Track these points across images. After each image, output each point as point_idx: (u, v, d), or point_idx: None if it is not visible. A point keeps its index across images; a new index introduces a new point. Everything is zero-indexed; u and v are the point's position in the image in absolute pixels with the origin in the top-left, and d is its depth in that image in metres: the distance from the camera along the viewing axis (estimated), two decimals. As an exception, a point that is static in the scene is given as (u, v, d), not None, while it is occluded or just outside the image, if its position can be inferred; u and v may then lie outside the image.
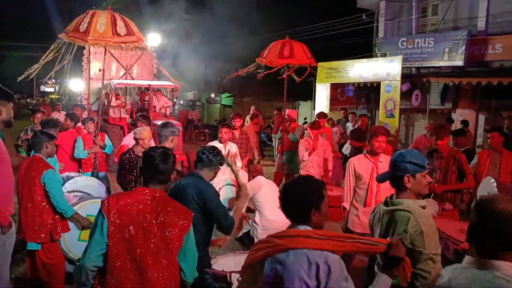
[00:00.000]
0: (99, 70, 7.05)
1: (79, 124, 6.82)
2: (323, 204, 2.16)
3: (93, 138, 6.30)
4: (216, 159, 3.46)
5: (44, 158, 4.14)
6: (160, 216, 2.41)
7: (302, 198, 2.14)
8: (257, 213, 4.92)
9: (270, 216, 4.81)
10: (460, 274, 1.75)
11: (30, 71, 6.05)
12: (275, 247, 2.06)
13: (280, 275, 2.01)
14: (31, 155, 4.23)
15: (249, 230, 5.01)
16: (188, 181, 3.33)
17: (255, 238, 4.85)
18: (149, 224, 2.39)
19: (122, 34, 5.92)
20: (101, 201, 2.46)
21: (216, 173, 3.52)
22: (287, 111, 9.45)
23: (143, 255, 2.36)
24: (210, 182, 3.45)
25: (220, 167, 3.56)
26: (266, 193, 4.89)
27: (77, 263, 2.42)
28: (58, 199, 4.01)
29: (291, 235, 2.07)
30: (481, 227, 1.71)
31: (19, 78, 6.06)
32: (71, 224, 4.29)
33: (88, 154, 6.28)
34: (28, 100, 41.26)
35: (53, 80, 38.12)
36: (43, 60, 5.98)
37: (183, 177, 4.03)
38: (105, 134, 6.86)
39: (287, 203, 2.21)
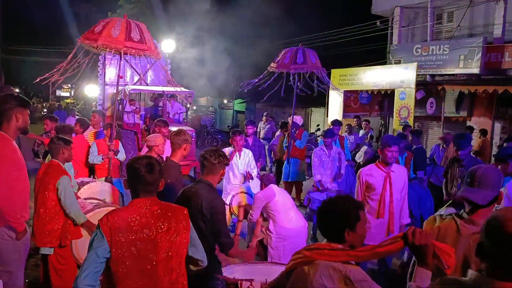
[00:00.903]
0: (120, 77, 6.96)
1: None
2: (358, 225, 2.16)
3: (107, 144, 6.32)
4: (218, 161, 3.35)
5: (61, 163, 4.19)
6: (164, 224, 2.39)
7: (337, 217, 2.16)
8: (270, 221, 4.89)
9: (284, 224, 4.79)
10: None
11: (49, 75, 6.08)
12: (303, 258, 2.15)
13: (304, 284, 2.09)
14: (48, 161, 4.28)
15: (263, 238, 4.99)
16: (198, 188, 3.28)
17: (268, 246, 4.82)
18: (156, 234, 2.35)
19: (136, 40, 5.87)
20: (98, 220, 2.35)
21: (222, 175, 3.44)
22: (293, 117, 9.26)
23: (154, 268, 2.33)
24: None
25: (225, 168, 3.47)
26: (279, 202, 4.87)
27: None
28: (70, 206, 4.03)
29: (317, 248, 2.15)
30: (489, 248, 1.61)
31: (37, 80, 6.11)
32: (84, 231, 4.31)
33: (102, 159, 6.29)
34: (44, 104, 41.88)
35: (69, 85, 38.70)
36: (63, 68, 6.00)
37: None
38: (119, 141, 6.88)
39: (323, 222, 2.24)
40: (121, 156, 6.67)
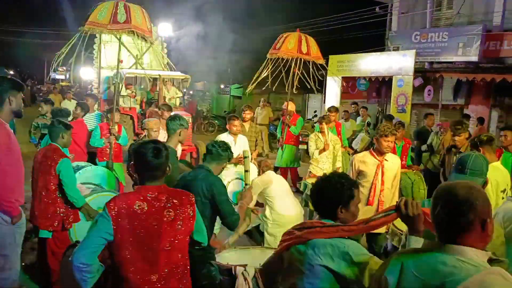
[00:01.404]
0: (121, 61, 6.86)
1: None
2: (352, 203, 2.22)
3: (109, 128, 6.30)
4: (225, 154, 3.49)
5: (60, 147, 4.16)
6: (170, 212, 2.37)
7: (331, 194, 2.21)
8: (267, 207, 4.90)
9: (281, 211, 4.80)
10: (420, 257, 1.69)
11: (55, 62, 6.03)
12: (296, 238, 2.16)
13: (301, 264, 2.13)
14: (47, 144, 4.25)
15: (259, 224, 5.00)
16: (197, 173, 3.36)
17: (265, 232, 4.84)
18: (161, 223, 2.34)
19: (122, 22, 5.70)
20: (106, 203, 2.34)
21: (223, 168, 3.56)
22: (285, 103, 9.11)
23: (156, 256, 2.33)
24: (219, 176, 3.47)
25: (227, 162, 3.60)
26: (276, 188, 4.87)
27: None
28: (71, 188, 4.04)
29: (308, 227, 2.18)
30: (440, 212, 1.65)
31: (50, 74, 6.13)
32: (81, 216, 4.31)
33: (104, 143, 6.29)
34: (39, 87, 41.48)
35: (64, 68, 38.31)
36: (61, 53, 5.95)
37: (192, 168, 4.02)
38: (122, 126, 6.84)
39: (317, 198, 2.28)
40: (123, 141, 6.64)
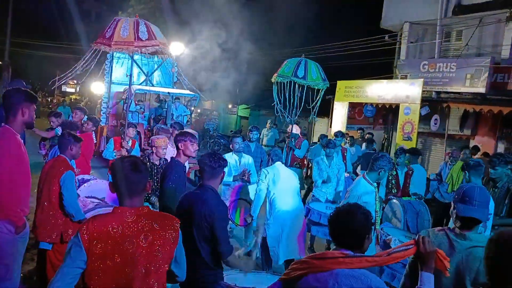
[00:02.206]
0: (126, 75, 7.25)
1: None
2: (370, 233, 2.31)
3: (121, 141, 6.59)
4: (218, 164, 3.30)
5: (68, 159, 4.20)
6: (148, 237, 2.20)
7: (358, 227, 2.22)
8: (268, 205, 5.02)
9: (282, 207, 4.94)
10: None
11: (64, 77, 6.35)
12: (316, 268, 2.13)
13: None
14: (56, 156, 4.30)
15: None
16: (199, 195, 3.24)
17: (267, 235, 4.98)
18: (137, 248, 2.16)
19: (144, 39, 6.02)
20: (78, 228, 2.19)
21: (222, 178, 3.41)
22: (290, 126, 9.10)
23: (130, 283, 2.16)
24: (226, 196, 3.43)
25: (224, 171, 3.45)
26: (282, 183, 5.04)
27: None
28: (69, 202, 4.02)
29: (329, 257, 2.15)
30: (501, 262, 1.64)
31: (57, 82, 6.41)
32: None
33: (115, 156, 6.52)
34: (49, 99, 41.98)
35: (75, 81, 38.84)
36: (75, 71, 6.22)
37: (194, 185, 4.02)
38: (136, 142, 7.06)
39: (341, 231, 2.24)
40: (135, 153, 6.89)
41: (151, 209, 2.39)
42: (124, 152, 6.40)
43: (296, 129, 9.16)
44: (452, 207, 2.70)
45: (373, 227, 2.50)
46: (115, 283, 2.14)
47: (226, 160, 3.44)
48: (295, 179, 5.27)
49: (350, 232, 2.21)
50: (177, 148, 4.17)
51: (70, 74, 6.16)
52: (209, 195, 3.22)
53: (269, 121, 14.87)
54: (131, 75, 6.68)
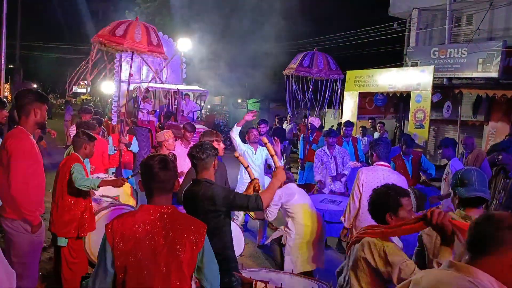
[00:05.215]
0: (131, 75, 7.48)
1: None
2: (401, 210, 2.62)
3: (119, 137, 6.85)
4: (206, 154, 3.18)
5: (81, 158, 4.24)
6: (169, 236, 2.18)
7: (379, 204, 2.68)
8: (289, 220, 4.88)
9: (303, 222, 4.78)
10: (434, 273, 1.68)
11: (74, 78, 6.72)
12: (356, 237, 2.60)
13: (356, 257, 2.54)
14: (70, 154, 4.36)
15: (281, 236, 4.96)
16: (195, 190, 3.17)
17: (287, 244, 4.81)
18: (158, 246, 2.16)
19: (155, 44, 6.58)
20: (105, 225, 2.22)
21: (215, 166, 3.30)
22: (309, 118, 9.00)
23: (152, 281, 2.16)
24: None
25: (216, 159, 3.32)
26: (299, 201, 4.86)
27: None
28: (79, 181, 3.97)
29: (365, 229, 2.60)
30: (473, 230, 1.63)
31: (69, 92, 6.78)
32: (97, 224, 4.37)
33: (115, 150, 6.80)
34: (61, 100, 42.43)
35: (85, 82, 39.19)
36: (85, 71, 6.54)
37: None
38: (134, 137, 7.46)
39: (370, 207, 2.75)
40: (134, 148, 7.25)
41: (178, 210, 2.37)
42: (122, 146, 6.72)
43: (316, 122, 8.97)
44: (452, 195, 2.70)
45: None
46: (137, 280, 2.15)
47: (215, 148, 3.34)
48: (307, 195, 5.20)
49: (373, 207, 2.72)
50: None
51: (83, 69, 6.41)
52: (203, 186, 3.14)
53: (289, 115, 14.79)
54: (129, 74, 6.96)
